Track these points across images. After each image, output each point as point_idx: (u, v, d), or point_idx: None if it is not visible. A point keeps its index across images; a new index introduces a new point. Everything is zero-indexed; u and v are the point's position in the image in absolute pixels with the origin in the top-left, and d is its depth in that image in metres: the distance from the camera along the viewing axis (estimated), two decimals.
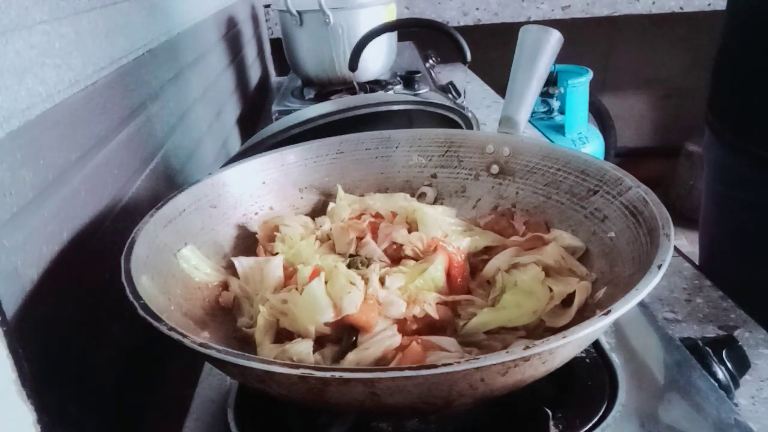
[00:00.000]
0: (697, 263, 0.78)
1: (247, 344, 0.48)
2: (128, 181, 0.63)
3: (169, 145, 0.79)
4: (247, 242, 0.59)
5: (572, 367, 0.47)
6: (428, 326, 0.47)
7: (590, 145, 2.41)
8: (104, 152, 0.57)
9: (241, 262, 0.55)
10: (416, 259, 0.53)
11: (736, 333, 0.62)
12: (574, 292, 0.47)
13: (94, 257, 0.53)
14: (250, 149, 0.69)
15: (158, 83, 0.78)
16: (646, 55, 2.77)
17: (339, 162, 0.66)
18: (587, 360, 0.50)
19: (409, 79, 1.29)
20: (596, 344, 0.51)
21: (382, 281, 0.49)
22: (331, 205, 0.63)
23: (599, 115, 2.77)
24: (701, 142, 0.93)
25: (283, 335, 0.48)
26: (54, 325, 0.45)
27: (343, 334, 0.47)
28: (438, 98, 0.85)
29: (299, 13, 1.34)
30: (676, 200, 2.66)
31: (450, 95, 1.34)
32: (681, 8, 2.44)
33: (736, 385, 0.52)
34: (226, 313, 0.52)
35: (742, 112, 0.79)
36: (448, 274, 0.51)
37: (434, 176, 0.66)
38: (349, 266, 0.51)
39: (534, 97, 0.64)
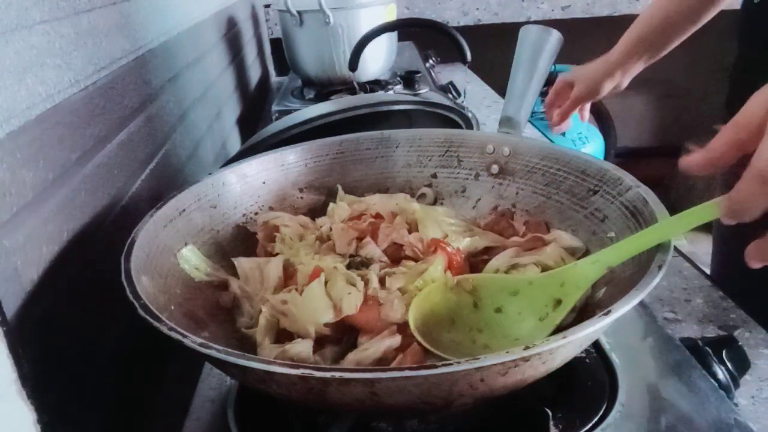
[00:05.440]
0: (697, 264, 0.78)
1: (247, 344, 0.48)
2: (128, 181, 0.63)
3: (169, 145, 0.79)
4: (247, 242, 0.59)
5: (572, 367, 0.46)
6: None
7: (590, 145, 2.41)
8: (104, 152, 0.57)
9: (241, 263, 0.55)
10: (416, 259, 0.53)
11: (736, 333, 0.62)
12: None
13: (94, 257, 0.52)
14: (250, 149, 0.69)
15: (158, 83, 0.78)
16: None
17: (339, 162, 0.66)
18: (587, 360, 0.50)
19: (409, 79, 1.28)
20: (596, 344, 0.51)
21: (382, 282, 0.49)
22: (331, 205, 0.63)
23: (599, 115, 2.76)
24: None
25: (283, 336, 0.48)
26: (54, 325, 0.45)
27: (343, 335, 0.47)
28: (438, 98, 0.85)
29: (299, 13, 1.34)
30: (676, 200, 2.66)
31: (450, 95, 1.34)
32: None
33: (736, 385, 0.52)
34: (226, 313, 0.52)
35: None
36: None
37: (434, 176, 0.66)
38: (349, 267, 0.51)
39: (534, 97, 0.64)
